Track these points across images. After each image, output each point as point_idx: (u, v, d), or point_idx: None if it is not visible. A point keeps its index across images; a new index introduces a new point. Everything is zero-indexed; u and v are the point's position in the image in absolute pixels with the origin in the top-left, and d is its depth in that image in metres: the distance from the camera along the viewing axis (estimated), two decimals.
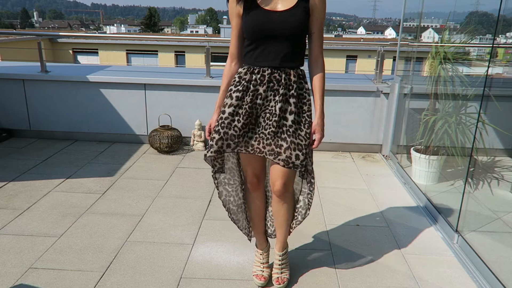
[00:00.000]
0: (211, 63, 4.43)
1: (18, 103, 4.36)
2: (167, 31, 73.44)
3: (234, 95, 1.85)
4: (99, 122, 4.39)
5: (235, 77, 1.88)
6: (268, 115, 1.84)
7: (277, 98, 1.82)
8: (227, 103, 1.86)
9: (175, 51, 18.64)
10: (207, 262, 2.34)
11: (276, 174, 1.92)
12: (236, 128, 1.84)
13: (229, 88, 1.88)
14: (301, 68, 1.89)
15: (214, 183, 2.07)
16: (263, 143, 1.86)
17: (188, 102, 4.29)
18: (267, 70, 1.81)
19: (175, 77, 4.32)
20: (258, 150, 1.87)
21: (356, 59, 18.91)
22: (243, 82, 1.84)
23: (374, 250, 2.51)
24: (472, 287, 2.20)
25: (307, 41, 1.90)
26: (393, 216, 2.97)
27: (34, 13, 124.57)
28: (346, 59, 18.50)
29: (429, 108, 3.56)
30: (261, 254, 2.20)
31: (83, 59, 18.81)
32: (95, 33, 40.20)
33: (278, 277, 2.15)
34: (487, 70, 2.62)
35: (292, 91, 1.83)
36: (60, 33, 22.46)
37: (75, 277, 2.16)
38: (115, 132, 4.41)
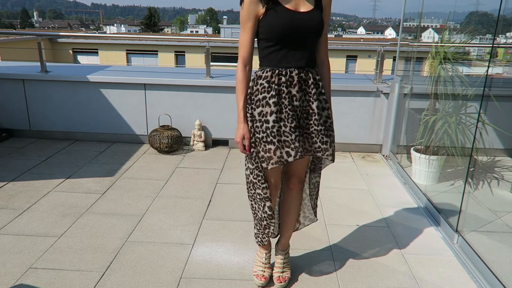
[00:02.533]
0: (211, 63, 4.44)
1: (18, 103, 4.36)
2: (167, 31, 73.43)
3: (270, 101, 1.77)
4: (99, 122, 4.39)
5: (262, 83, 1.80)
6: (305, 114, 1.85)
7: (309, 97, 1.83)
8: (267, 112, 1.78)
9: (175, 51, 18.65)
10: (207, 262, 2.34)
11: (300, 166, 2.00)
12: (286, 134, 1.80)
13: (262, 97, 1.79)
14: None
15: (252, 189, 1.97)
16: (308, 142, 1.87)
17: (188, 102, 4.29)
18: (295, 71, 1.79)
19: (175, 77, 4.32)
20: (306, 150, 1.88)
21: (356, 59, 18.92)
22: (273, 86, 1.78)
23: (374, 250, 2.51)
24: (472, 287, 2.20)
25: None
26: (393, 216, 2.97)
27: (34, 13, 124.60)
28: (346, 59, 18.52)
29: (429, 108, 3.56)
30: (264, 255, 2.20)
31: (83, 59, 18.83)
32: (95, 33, 40.20)
33: (279, 276, 2.16)
34: (487, 70, 2.62)
35: (316, 89, 1.85)
36: (60, 33, 22.45)
37: (75, 277, 2.16)
38: (115, 132, 4.41)
